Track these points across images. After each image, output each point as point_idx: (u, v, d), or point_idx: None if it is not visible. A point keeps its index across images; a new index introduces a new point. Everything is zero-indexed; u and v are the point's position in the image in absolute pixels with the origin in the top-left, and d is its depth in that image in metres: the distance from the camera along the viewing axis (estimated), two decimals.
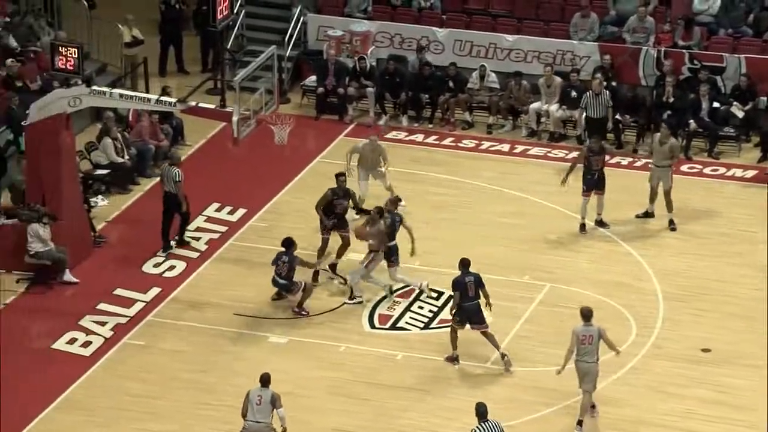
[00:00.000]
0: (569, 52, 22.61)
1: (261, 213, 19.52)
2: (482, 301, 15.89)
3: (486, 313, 15.94)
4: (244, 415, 13.97)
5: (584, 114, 21.19)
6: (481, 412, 13.55)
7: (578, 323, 14.94)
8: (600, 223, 19.08)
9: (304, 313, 17.04)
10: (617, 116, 21.33)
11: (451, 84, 22.25)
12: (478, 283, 15.88)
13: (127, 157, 20.27)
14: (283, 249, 16.98)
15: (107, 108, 19.89)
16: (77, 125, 19.47)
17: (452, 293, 16.06)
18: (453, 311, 16.05)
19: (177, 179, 18.34)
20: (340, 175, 17.94)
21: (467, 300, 15.84)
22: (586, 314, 14.93)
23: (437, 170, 20.88)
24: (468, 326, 16.00)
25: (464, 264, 15.94)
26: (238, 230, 19.16)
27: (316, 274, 17.55)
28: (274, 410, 13.92)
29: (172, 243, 18.57)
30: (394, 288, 17.36)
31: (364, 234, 17.18)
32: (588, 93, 21.14)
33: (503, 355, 16.03)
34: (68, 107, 17.49)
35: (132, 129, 20.95)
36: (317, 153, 20.90)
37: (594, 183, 18.84)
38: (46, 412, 15.26)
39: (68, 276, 17.71)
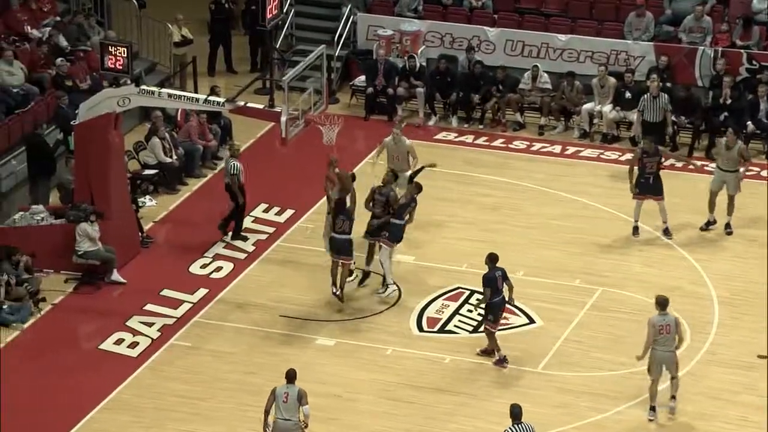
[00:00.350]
0: (623, 52, 22.51)
1: (309, 214, 19.63)
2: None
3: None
4: (266, 412, 13.97)
5: (641, 117, 21.04)
6: (516, 413, 13.59)
7: (651, 315, 15.03)
8: (666, 232, 18.86)
9: (338, 294, 17.03)
10: (672, 117, 21.20)
11: (500, 87, 22.22)
12: (504, 276, 16.01)
13: (175, 157, 20.47)
14: (337, 210, 17.09)
15: (156, 107, 20.10)
16: (126, 125, 19.70)
17: (484, 290, 15.97)
18: (483, 309, 16.04)
19: (232, 172, 18.60)
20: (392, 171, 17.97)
21: (497, 295, 15.94)
22: (662, 303, 14.99)
23: (487, 172, 20.88)
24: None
25: (492, 259, 16.04)
26: (286, 231, 19.28)
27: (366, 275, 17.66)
28: (300, 407, 13.93)
29: (225, 238, 18.68)
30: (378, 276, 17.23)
31: (339, 177, 17.29)
32: (645, 96, 21.00)
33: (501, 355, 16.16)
34: (117, 107, 17.69)
35: (180, 129, 21.15)
36: (366, 154, 20.96)
37: (648, 186, 18.69)
38: (94, 412, 15.44)
39: (116, 276, 17.91)
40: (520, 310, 17.27)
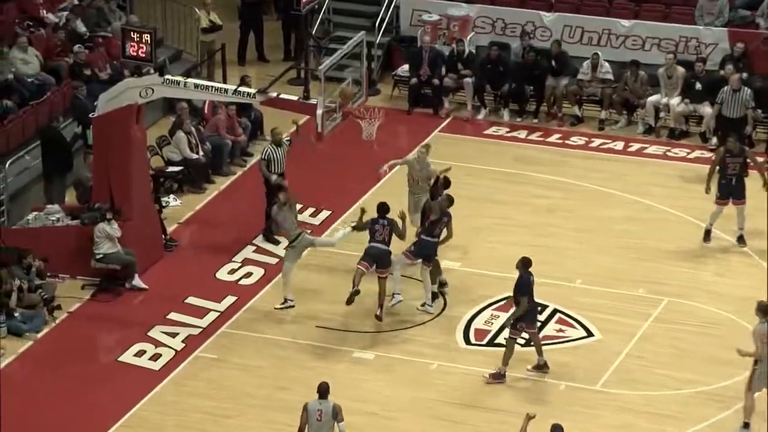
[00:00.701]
0: (694, 38, 22.43)
1: (346, 215, 19.68)
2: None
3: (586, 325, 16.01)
4: (301, 430, 14.00)
5: (718, 111, 20.86)
6: None
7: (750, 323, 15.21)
8: (740, 239, 18.75)
9: (378, 315, 17.00)
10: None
11: (553, 64, 22.11)
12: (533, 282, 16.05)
13: (201, 152, 20.60)
14: (377, 215, 17.07)
15: (181, 99, 20.23)
16: (148, 117, 19.85)
17: (519, 299, 15.92)
18: (515, 319, 15.96)
19: (262, 156, 18.72)
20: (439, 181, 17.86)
21: (531, 299, 15.99)
22: (766, 310, 14.87)
23: (542, 170, 20.86)
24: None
25: (525, 264, 16.06)
26: (322, 234, 19.32)
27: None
28: (336, 423, 13.95)
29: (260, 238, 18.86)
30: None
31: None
32: (725, 88, 20.88)
33: (544, 363, 16.15)
34: (139, 98, 17.84)
35: (207, 122, 21.29)
36: (409, 150, 20.95)
37: (730, 188, 18.55)
38: (112, 430, 15.53)
39: (137, 281, 18.04)
40: (578, 321, 17.25)
